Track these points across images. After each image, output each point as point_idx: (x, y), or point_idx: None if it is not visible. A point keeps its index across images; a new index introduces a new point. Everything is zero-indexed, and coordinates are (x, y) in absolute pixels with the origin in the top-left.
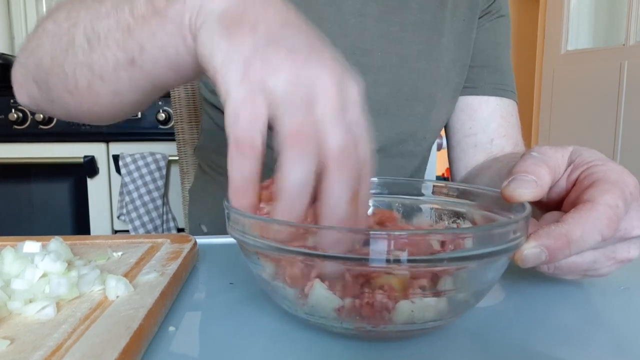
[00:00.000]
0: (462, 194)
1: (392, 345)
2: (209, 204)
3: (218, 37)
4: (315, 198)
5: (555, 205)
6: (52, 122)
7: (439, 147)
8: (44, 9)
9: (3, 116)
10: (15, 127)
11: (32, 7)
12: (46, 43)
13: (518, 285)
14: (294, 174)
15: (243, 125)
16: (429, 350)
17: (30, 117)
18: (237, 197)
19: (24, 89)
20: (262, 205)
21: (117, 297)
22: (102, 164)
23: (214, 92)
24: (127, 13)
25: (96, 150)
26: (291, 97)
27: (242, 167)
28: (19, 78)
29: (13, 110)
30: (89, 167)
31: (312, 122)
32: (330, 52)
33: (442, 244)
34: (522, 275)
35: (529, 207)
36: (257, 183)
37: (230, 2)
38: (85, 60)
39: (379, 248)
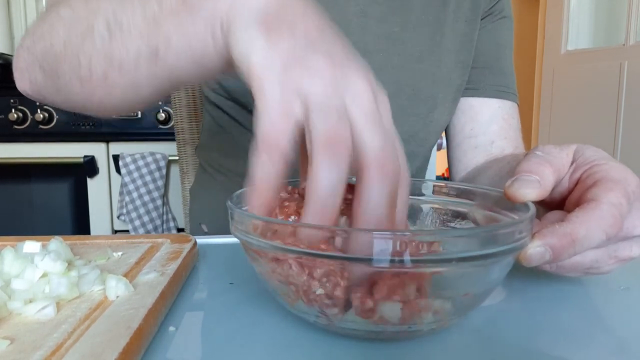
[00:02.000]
0: (463, 194)
1: (394, 345)
2: (209, 204)
3: (256, 34)
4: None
5: (557, 204)
6: (52, 122)
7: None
8: (44, 9)
9: (3, 116)
10: (15, 127)
11: (32, 7)
12: (60, 29)
13: (518, 284)
14: (326, 177)
15: (274, 125)
16: (429, 350)
17: (30, 117)
18: (254, 197)
19: (26, 75)
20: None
21: (117, 297)
22: (102, 164)
23: (216, 90)
24: (155, 3)
25: (96, 150)
26: (327, 101)
27: (265, 167)
28: (21, 64)
29: (13, 111)
30: (89, 167)
31: (346, 126)
32: (362, 62)
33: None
34: (522, 274)
35: (533, 207)
36: (277, 186)
37: (268, 2)
38: (103, 50)
39: (385, 248)
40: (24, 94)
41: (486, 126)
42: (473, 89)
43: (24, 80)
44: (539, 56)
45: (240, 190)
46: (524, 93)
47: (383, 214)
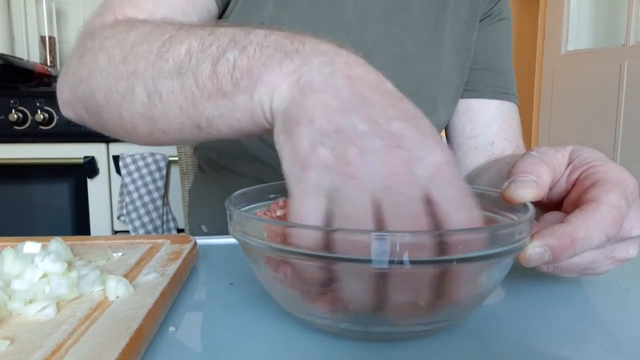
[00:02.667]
0: None
1: (393, 345)
2: (209, 204)
3: (282, 136)
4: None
5: (555, 205)
6: (52, 122)
7: None
8: (44, 9)
9: (3, 116)
10: (16, 127)
11: (32, 7)
12: (99, 79)
13: (518, 285)
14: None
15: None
16: (429, 351)
17: (30, 117)
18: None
19: (70, 109)
20: (274, 208)
21: (117, 297)
22: (102, 164)
23: None
24: (192, 82)
25: (96, 150)
26: (347, 191)
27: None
28: (65, 98)
29: (13, 111)
30: (89, 167)
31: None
32: (398, 121)
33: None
34: (522, 275)
35: (532, 208)
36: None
37: (292, 94)
38: (145, 113)
39: (383, 249)
40: (69, 120)
41: (486, 127)
42: (472, 90)
43: (69, 112)
44: (539, 56)
45: (238, 191)
46: (524, 93)
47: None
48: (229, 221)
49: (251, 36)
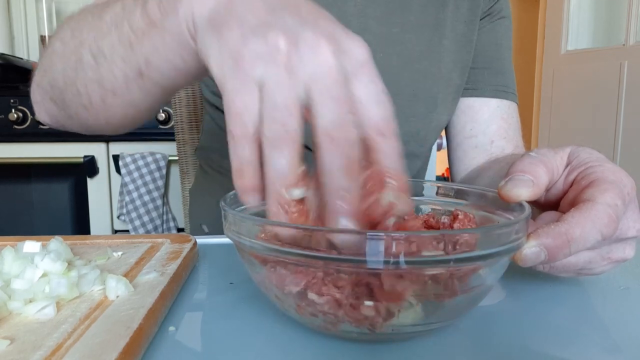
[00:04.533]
0: (459, 194)
1: (391, 346)
2: (210, 204)
3: (209, 37)
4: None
5: (552, 205)
6: None
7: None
8: (44, 9)
9: (3, 116)
10: (15, 127)
11: (32, 7)
12: (57, 62)
13: (518, 285)
14: (277, 163)
15: (236, 117)
16: (426, 351)
17: (30, 117)
18: (237, 179)
19: (42, 108)
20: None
21: (117, 297)
22: (102, 163)
23: (215, 93)
24: (127, 28)
25: (96, 150)
26: (280, 90)
27: (238, 152)
28: (37, 97)
29: (13, 110)
30: (89, 167)
31: (294, 113)
32: (324, 21)
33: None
34: (522, 275)
35: (528, 207)
36: (255, 166)
37: (218, 2)
38: (95, 77)
39: (378, 249)
40: (46, 124)
41: (485, 126)
42: (472, 89)
43: (42, 112)
44: (539, 56)
45: (233, 192)
46: (524, 93)
47: (342, 185)
48: (223, 221)
49: None
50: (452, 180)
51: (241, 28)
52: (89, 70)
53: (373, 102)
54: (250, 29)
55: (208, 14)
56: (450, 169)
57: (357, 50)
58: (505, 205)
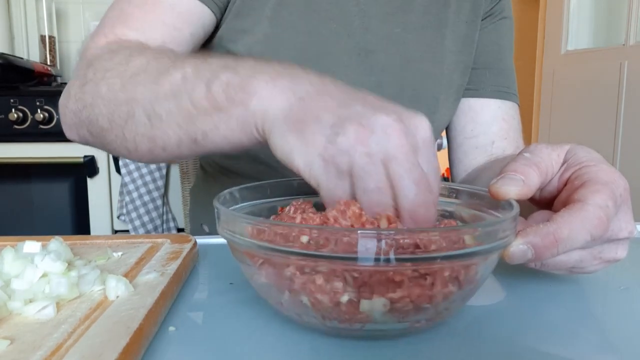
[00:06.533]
0: (450, 193)
1: (387, 344)
2: (210, 204)
3: (291, 138)
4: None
5: (547, 203)
6: (52, 121)
7: (439, 147)
8: (44, 9)
9: (3, 116)
10: (15, 126)
11: (32, 7)
12: (101, 106)
13: (517, 285)
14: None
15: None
16: (425, 349)
17: (30, 117)
18: None
19: (75, 131)
20: (292, 214)
21: (117, 297)
22: (102, 163)
23: None
24: (187, 102)
25: (96, 150)
26: (366, 175)
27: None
28: (69, 121)
29: (13, 110)
30: (89, 166)
31: (385, 192)
32: (388, 104)
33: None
34: (521, 274)
35: (516, 206)
36: None
37: (291, 103)
38: (146, 133)
39: (368, 246)
40: (71, 140)
41: (486, 126)
42: (473, 90)
43: (73, 134)
44: (539, 56)
45: (226, 190)
46: (524, 93)
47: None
48: (217, 220)
49: (241, 61)
50: (453, 181)
51: (321, 128)
52: (141, 127)
53: (432, 174)
54: (329, 127)
55: (281, 114)
56: (450, 169)
57: (422, 128)
58: (495, 203)
